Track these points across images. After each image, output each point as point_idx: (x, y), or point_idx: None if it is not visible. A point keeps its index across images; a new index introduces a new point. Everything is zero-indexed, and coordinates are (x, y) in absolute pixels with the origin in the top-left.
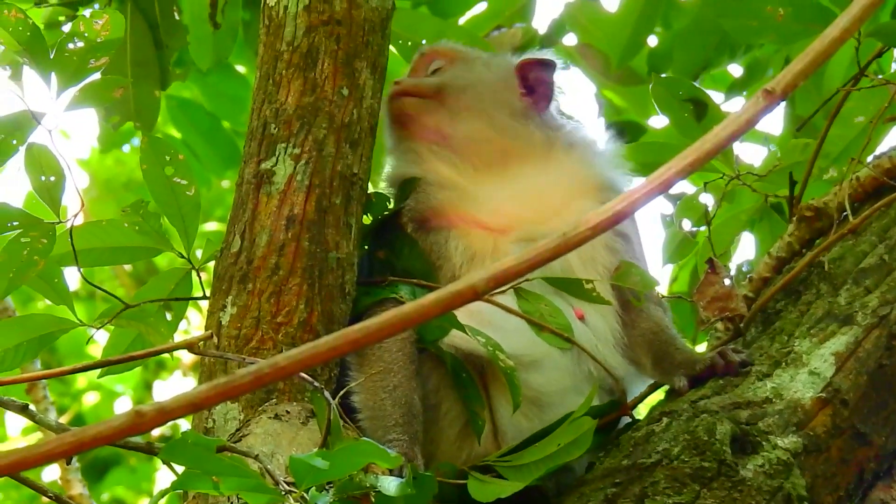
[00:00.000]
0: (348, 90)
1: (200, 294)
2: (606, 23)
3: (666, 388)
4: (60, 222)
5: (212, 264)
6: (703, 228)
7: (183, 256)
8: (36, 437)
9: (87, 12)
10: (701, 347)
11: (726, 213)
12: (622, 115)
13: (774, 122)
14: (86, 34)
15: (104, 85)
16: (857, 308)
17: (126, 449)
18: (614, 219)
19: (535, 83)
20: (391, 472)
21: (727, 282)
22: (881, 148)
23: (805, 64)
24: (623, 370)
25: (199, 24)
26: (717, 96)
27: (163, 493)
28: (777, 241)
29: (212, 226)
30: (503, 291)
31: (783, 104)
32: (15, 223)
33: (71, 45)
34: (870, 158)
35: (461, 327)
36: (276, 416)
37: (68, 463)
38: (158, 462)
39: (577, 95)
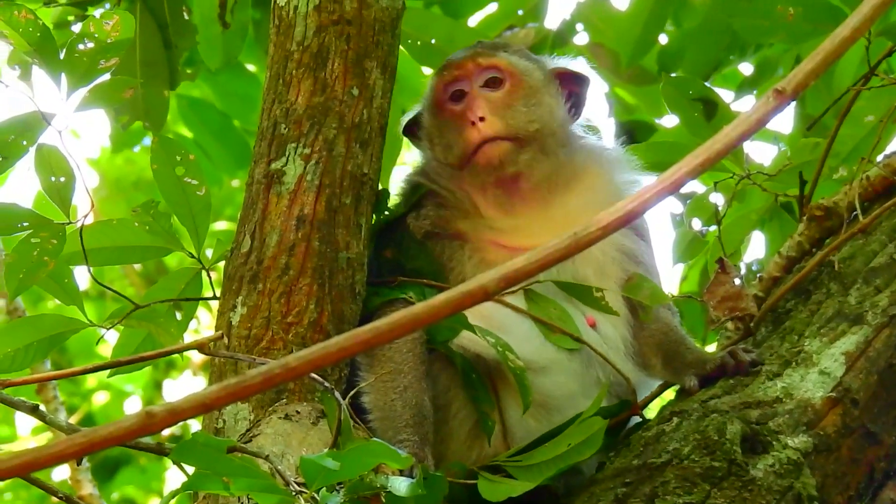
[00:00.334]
0: (358, 90)
1: (210, 294)
2: (617, 22)
3: (676, 387)
4: (71, 223)
5: (222, 264)
6: (713, 228)
7: (193, 256)
8: (46, 436)
9: (96, 12)
10: (711, 347)
11: (736, 212)
12: (633, 114)
13: (784, 121)
14: (96, 35)
15: (114, 86)
16: (868, 307)
17: (136, 449)
18: (625, 218)
19: (568, 93)
20: (402, 473)
21: (737, 282)
22: (891, 147)
23: (815, 63)
24: (634, 378)
25: (208, 24)
26: (727, 95)
27: (173, 494)
28: (787, 241)
29: (222, 225)
30: (514, 292)
31: (793, 103)
32: (25, 223)
33: (81, 46)
34: (880, 157)
35: (472, 329)
36: (287, 417)
37: (78, 463)
38: (168, 461)
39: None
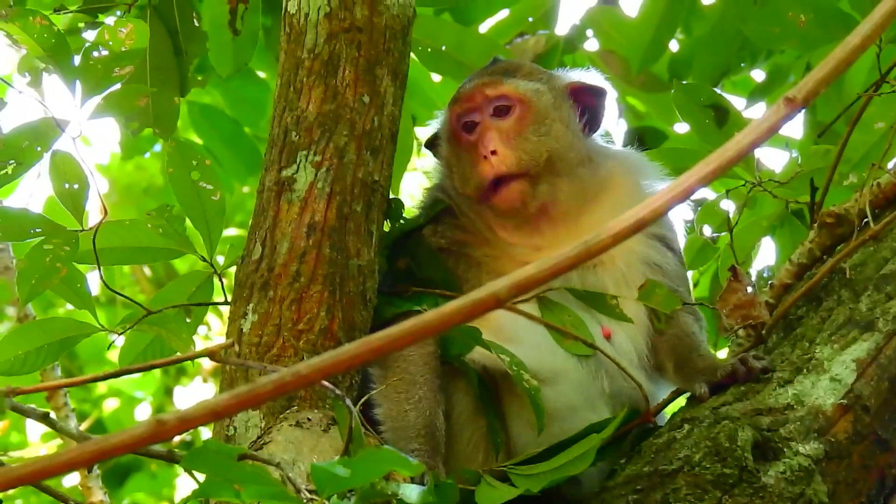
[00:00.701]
0: (369, 97)
1: (221, 299)
2: (627, 28)
3: (687, 394)
4: (84, 230)
5: (233, 269)
6: (724, 234)
7: (205, 260)
8: (56, 443)
9: (108, 20)
10: (722, 354)
11: (747, 218)
12: (644, 121)
13: (795, 128)
14: (110, 42)
15: (128, 94)
16: (879, 314)
17: (147, 456)
18: (636, 226)
19: (586, 106)
20: (412, 480)
21: (750, 289)
22: None
23: (826, 72)
24: (646, 390)
25: (218, 31)
26: (738, 102)
27: (184, 501)
28: (798, 248)
29: (232, 231)
30: (528, 300)
31: (804, 110)
32: (38, 230)
33: (95, 54)
34: (890, 164)
35: (486, 345)
36: (298, 424)
37: (89, 470)
38: (179, 468)
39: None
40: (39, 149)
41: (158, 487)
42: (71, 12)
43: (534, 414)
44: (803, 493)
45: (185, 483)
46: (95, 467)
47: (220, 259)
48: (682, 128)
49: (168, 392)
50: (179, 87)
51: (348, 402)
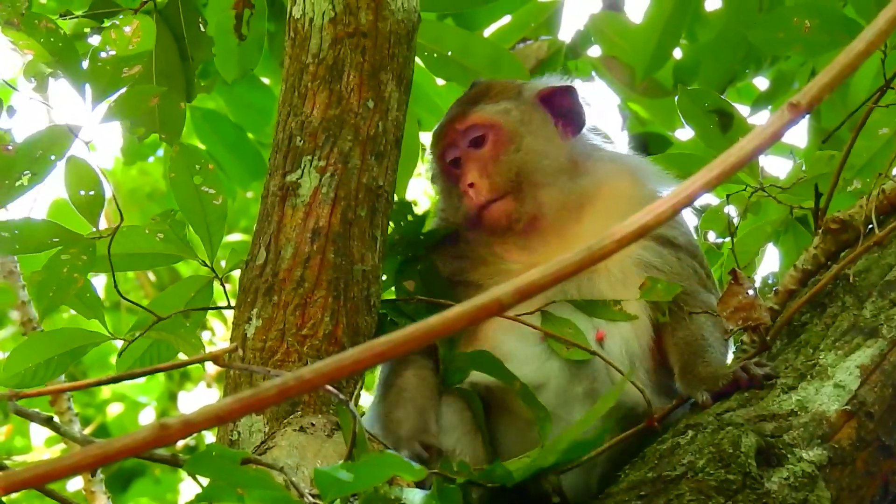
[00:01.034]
0: (374, 102)
1: (223, 303)
2: (631, 35)
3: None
4: (101, 236)
5: (236, 274)
6: (727, 240)
7: (206, 265)
8: (60, 447)
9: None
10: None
11: (752, 224)
12: (647, 127)
13: (800, 135)
14: (116, 41)
15: (138, 95)
16: (883, 321)
17: (151, 461)
18: (640, 232)
19: (561, 109)
20: (416, 485)
21: (751, 292)
22: None
23: (830, 77)
24: (633, 395)
25: (224, 36)
26: (742, 110)
27: None
28: (802, 254)
29: (236, 237)
30: (533, 313)
31: (808, 116)
32: (55, 239)
33: (103, 54)
34: (895, 171)
35: (497, 369)
36: (301, 429)
37: (93, 475)
38: (183, 472)
39: (602, 107)
40: (53, 157)
41: (162, 492)
42: (76, 17)
43: (525, 431)
44: (807, 500)
45: (188, 488)
46: (99, 472)
47: (224, 264)
48: (683, 134)
49: (172, 397)
50: (186, 93)
51: (352, 406)
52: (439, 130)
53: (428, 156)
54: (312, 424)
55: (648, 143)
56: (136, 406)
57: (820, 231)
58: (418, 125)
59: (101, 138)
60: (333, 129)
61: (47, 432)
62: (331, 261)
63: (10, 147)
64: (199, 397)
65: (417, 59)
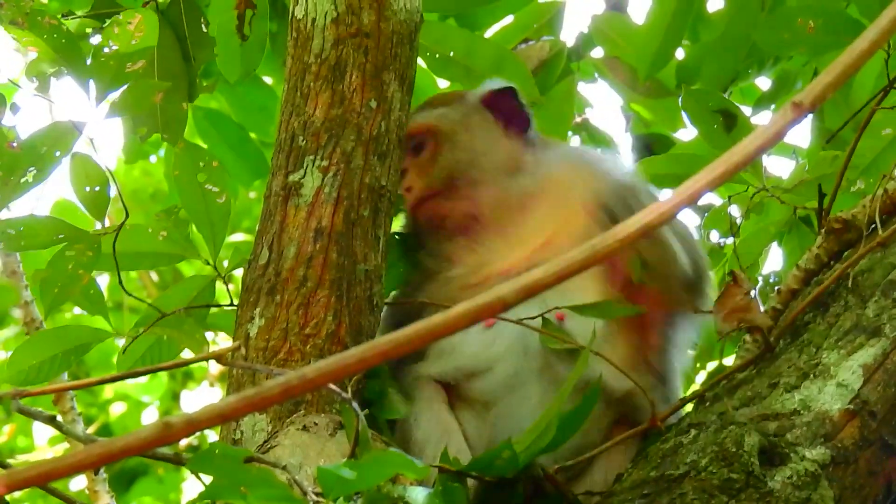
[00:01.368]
0: (376, 102)
1: (226, 303)
2: (634, 35)
3: (694, 401)
4: (107, 233)
5: (238, 274)
6: (730, 240)
7: (209, 264)
8: (63, 447)
9: None
10: (728, 360)
11: (755, 225)
12: (650, 128)
13: (803, 135)
14: (119, 36)
15: (141, 91)
16: (886, 320)
17: (154, 459)
18: (643, 231)
19: (505, 110)
20: (419, 483)
21: (751, 293)
22: None
23: (833, 77)
24: (600, 372)
25: (226, 37)
26: (745, 110)
27: None
28: (805, 254)
29: (239, 237)
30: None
31: (811, 116)
32: (60, 236)
33: (106, 50)
34: None
35: None
36: (304, 428)
37: (96, 473)
38: (186, 472)
39: (604, 108)
40: (58, 153)
41: (165, 492)
42: (79, 17)
43: (485, 421)
44: (810, 499)
45: (191, 488)
46: (102, 470)
47: (227, 264)
48: (686, 135)
49: (175, 397)
50: (188, 93)
51: (355, 405)
52: None
53: None
54: (315, 424)
55: (653, 144)
56: (138, 405)
57: (823, 231)
58: None
59: (103, 138)
60: (336, 129)
61: (50, 432)
62: (333, 260)
63: (14, 144)
64: (201, 397)
65: (419, 60)
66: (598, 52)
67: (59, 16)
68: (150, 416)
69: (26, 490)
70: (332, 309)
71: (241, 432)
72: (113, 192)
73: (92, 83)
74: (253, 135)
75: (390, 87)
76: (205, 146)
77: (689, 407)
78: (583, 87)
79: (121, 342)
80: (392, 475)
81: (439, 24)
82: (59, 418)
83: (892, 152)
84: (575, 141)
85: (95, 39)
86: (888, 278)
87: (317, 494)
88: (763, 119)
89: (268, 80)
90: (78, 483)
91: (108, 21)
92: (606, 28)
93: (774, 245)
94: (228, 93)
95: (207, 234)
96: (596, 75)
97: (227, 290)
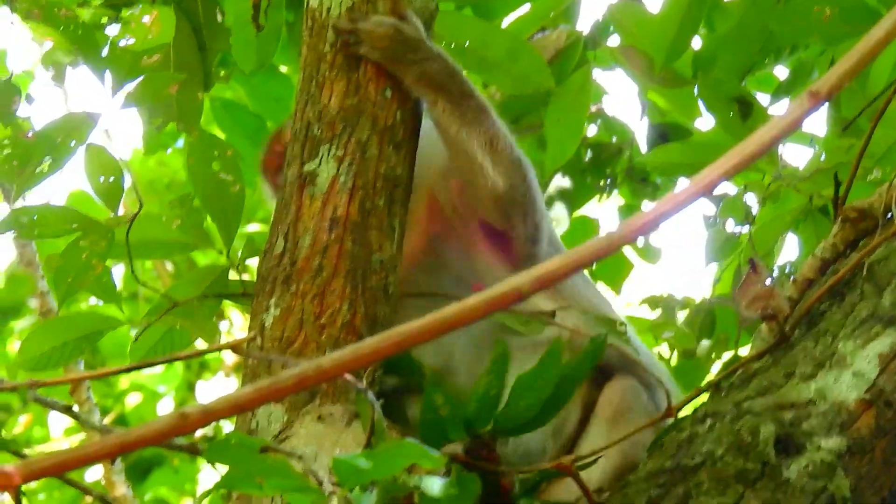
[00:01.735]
0: (392, 92)
1: (240, 292)
2: (650, 24)
3: (710, 390)
4: (120, 222)
5: (253, 264)
6: (746, 229)
7: (222, 252)
8: (79, 437)
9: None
10: (744, 350)
11: (771, 213)
12: (666, 117)
13: (819, 123)
14: (135, 30)
15: (157, 82)
16: None
17: (170, 450)
18: (657, 221)
19: None
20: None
21: (769, 281)
22: None
23: (850, 65)
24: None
25: (242, 26)
26: (762, 99)
27: (206, 494)
28: (821, 242)
29: (255, 227)
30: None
31: (828, 105)
32: (74, 225)
33: (123, 43)
34: None
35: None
36: (320, 418)
37: (112, 463)
38: (202, 462)
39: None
40: (74, 143)
41: (181, 482)
42: (94, 7)
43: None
44: (825, 488)
45: (207, 478)
46: (118, 461)
47: (241, 254)
48: (702, 124)
49: (190, 387)
50: (204, 83)
51: (371, 395)
52: None
53: None
54: (331, 414)
55: (669, 133)
56: (154, 396)
57: (839, 220)
58: None
59: (118, 130)
60: (351, 119)
61: (66, 422)
62: (349, 250)
63: (30, 134)
64: (217, 387)
65: None
66: (614, 40)
67: (75, 4)
68: (165, 407)
69: (42, 480)
70: (347, 299)
71: (257, 422)
72: (127, 182)
73: (108, 74)
74: (270, 124)
75: None
76: (222, 136)
77: (704, 397)
78: (599, 75)
79: (135, 332)
80: (408, 465)
81: (455, 13)
82: (76, 408)
83: None
84: (590, 131)
85: (110, 30)
86: None
87: (332, 484)
88: (780, 108)
89: (284, 69)
90: (94, 473)
91: (123, 11)
92: (622, 17)
93: (790, 234)
94: (244, 83)
95: (221, 222)
96: (612, 64)
97: (241, 278)
